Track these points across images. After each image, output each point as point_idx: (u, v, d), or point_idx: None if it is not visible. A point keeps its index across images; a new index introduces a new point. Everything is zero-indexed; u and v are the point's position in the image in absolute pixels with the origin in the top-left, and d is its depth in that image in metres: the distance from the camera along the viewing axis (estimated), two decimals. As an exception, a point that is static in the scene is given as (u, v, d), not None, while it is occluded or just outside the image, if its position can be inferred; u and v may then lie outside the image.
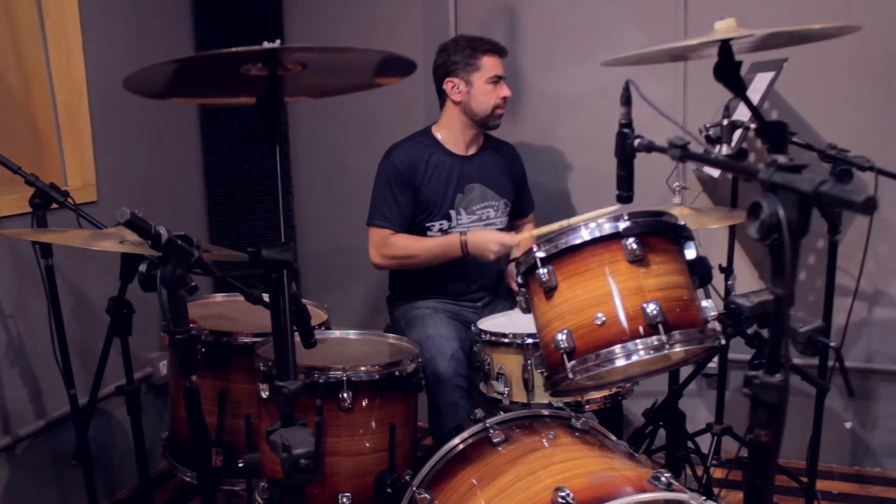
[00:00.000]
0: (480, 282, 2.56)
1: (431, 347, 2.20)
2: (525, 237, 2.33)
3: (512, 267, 2.41)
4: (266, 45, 1.26)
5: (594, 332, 1.50)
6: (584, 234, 1.55)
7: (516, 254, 2.37)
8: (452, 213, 2.47)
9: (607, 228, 1.54)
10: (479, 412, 1.74)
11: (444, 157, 2.49)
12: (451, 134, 2.51)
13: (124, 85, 1.37)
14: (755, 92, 2.26)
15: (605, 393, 1.99)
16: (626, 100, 1.42)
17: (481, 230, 2.43)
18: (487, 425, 1.66)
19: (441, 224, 2.46)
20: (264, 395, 1.83)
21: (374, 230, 2.44)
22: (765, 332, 1.35)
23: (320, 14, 3.13)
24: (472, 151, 2.55)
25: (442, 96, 2.51)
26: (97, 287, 2.45)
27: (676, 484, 1.38)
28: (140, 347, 2.68)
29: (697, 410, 2.88)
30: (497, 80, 2.44)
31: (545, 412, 1.75)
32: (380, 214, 2.43)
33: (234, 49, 1.25)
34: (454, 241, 2.36)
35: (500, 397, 2.00)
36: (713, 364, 2.70)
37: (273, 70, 1.36)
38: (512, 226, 2.71)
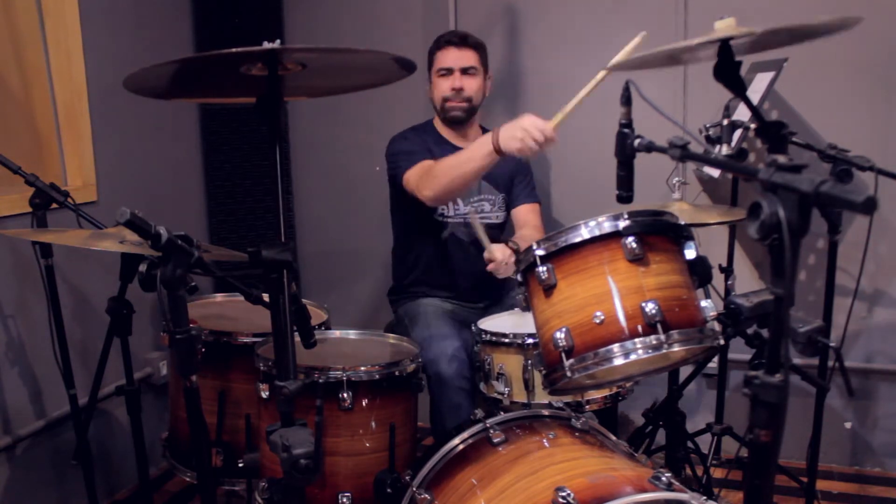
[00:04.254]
0: (482, 282, 2.56)
1: (434, 348, 2.20)
2: (559, 122, 2.04)
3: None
4: (266, 45, 1.26)
5: (593, 331, 1.50)
6: (584, 233, 1.55)
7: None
8: (451, 203, 2.50)
9: (607, 227, 1.54)
10: (479, 412, 1.74)
11: (442, 148, 2.50)
12: (445, 127, 2.57)
13: (124, 85, 1.37)
14: (755, 92, 2.26)
15: (605, 393, 1.99)
16: (626, 100, 1.42)
17: (513, 121, 2.10)
18: (487, 425, 1.66)
19: (443, 208, 2.49)
20: (264, 395, 1.83)
21: (414, 170, 2.34)
22: (765, 332, 1.35)
23: (320, 14, 3.13)
24: (467, 144, 2.54)
25: None
26: (97, 287, 2.45)
27: (677, 484, 1.38)
28: (140, 347, 2.68)
29: (697, 410, 2.88)
30: (446, 72, 2.47)
31: (545, 412, 1.75)
32: (412, 160, 2.36)
33: (234, 50, 1.25)
34: (487, 136, 2.14)
35: (500, 397, 2.00)
36: (713, 364, 2.70)
37: (273, 70, 1.36)
38: (514, 219, 2.70)
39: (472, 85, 2.49)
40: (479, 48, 2.52)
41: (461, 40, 2.48)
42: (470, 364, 2.18)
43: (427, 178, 2.29)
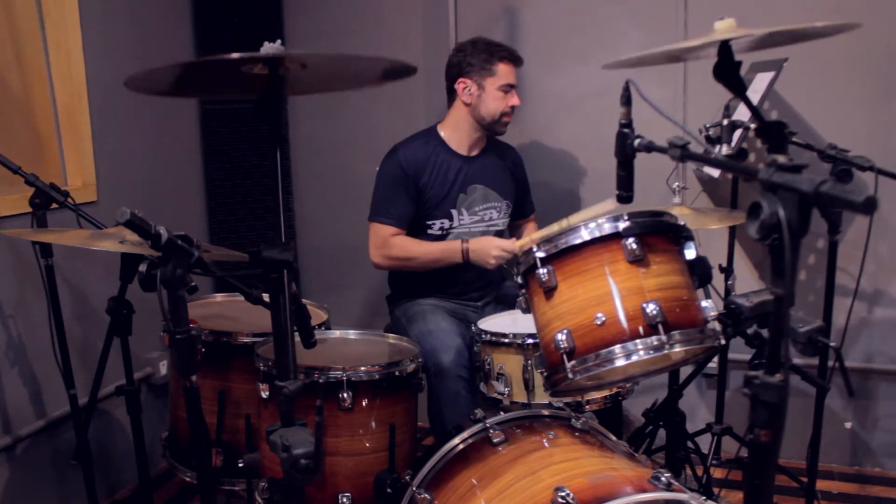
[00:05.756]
0: (481, 282, 2.56)
1: (433, 339, 2.20)
2: (526, 242, 2.29)
3: None
4: (266, 45, 1.26)
5: (594, 333, 1.50)
6: (584, 235, 1.55)
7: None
8: (454, 212, 2.47)
9: (607, 228, 1.54)
10: (479, 412, 1.74)
11: (448, 157, 2.49)
12: (457, 134, 2.51)
13: (126, 85, 1.36)
14: (755, 92, 2.26)
15: (605, 393, 1.99)
16: (626, 100, 1.42)
17: (483, 238, 2.42)
18: (487, 425, 1.66)
19: (442, 223, 2.46)
20: (264, 395, 1.83)
21: (376, 227, 2.43)
22: (765, 332, 1.35)
23: (320, 14, 3.13)
24: (475, 152, 2.55)
25: (451, 95, 2.51)
26: (97, 287, 2.45)
27: (676, 484, 1.39)
28: (140, 347, 2.67)
29: (697, 410, 2.88)
30: (509, 88, 2.45)
31: (545, 412, 1.75)
32: (383, 212, 2.43)
33: (235, 55, 1.24)
34: (455, 248, 2.36)
35: (500, 397, 2.00)
36: (713, 364, 2.70)
37: (274, 70, 1.36)
38: (513, 227, 2.71)
39: None
40: None
41: (519, 60, 2.49)
42: (469, 356, 2.18)
43: (387, 248, 2.42)
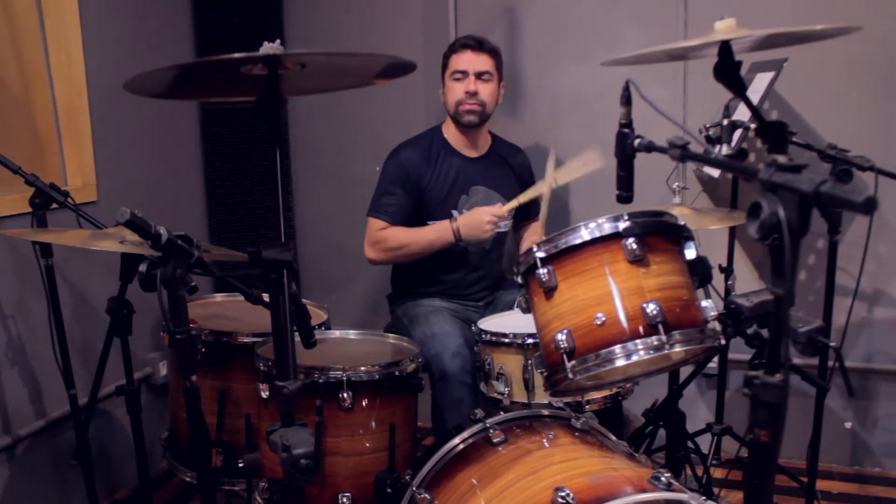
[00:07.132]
0: (482, 283, 2.56)
1: (437, 344, 2.20)
2: (514, 206, 2.35)
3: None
4: (266, 44, 1.26)
5: (594, 332, 1.50)
6: (584, 234, 1.55)
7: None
8: (454, 213, 2.47)
9: (607, 228, 1.54)
10: (479, 412, 1.74)
11: (451, 158, 2.49)
12: (453, 133, 2.52)
13: (125, 87, 1.37)
14: (755, 92, 2.26)
15: (606, 393, 1.99)
16: (626, 100, 1.42)
17: (469, 213, 2.41)
18: (487, 425, 1.66)
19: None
20: (264, 395, 1.83)
21: (371, 222, 2.44)
22: (765, 332, 1.35)
23: (320, 14, 3.13)
24: (479, 153, 2.55)
25: None
26: (97, 287, 2.45)
27: (676, 484, 1.39)
28: (140, 347, 2.67)
29: (697, 410, 2.88)
30: (461, 75, 2.43)
31: (545, 412, 1.75)
32: (380, 207, 2.44)
33: (234, 55, 1.24)
34: (445, 227, 2.37)
35: (500, 397, 2.00)
36: (713, 364, 2.70)
37: (273, 70, 1.36)
38: (517, 227, 2.70)
39: (486, 90, 2.44)
40: (495, 54, 2.47)
41: (478, 44, 2.43)
42: (472, 359, 2.18)
43: (380, 241, 2.42)
